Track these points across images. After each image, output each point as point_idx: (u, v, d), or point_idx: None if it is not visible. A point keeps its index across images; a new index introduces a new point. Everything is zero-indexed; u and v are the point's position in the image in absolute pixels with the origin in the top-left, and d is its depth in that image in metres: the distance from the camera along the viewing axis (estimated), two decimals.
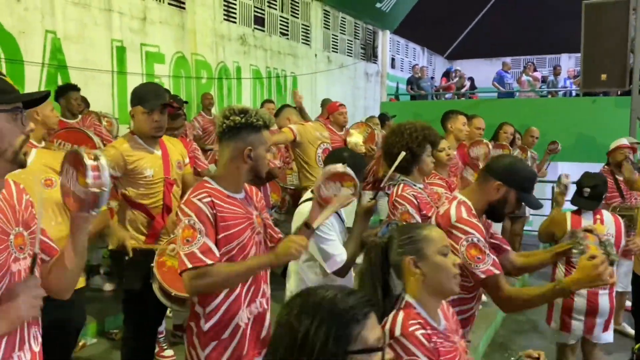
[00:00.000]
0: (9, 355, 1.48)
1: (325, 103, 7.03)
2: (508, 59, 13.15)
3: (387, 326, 1.69)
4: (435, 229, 1.86)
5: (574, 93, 12.47)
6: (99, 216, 2.56)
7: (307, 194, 2.84)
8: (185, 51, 7.35)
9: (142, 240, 3.09)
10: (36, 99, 1.54)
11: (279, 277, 3.13)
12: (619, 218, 3.66)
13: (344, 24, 11.46)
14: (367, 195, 5.97)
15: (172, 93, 6.47)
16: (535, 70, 13.39)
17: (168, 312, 3.92)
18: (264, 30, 8.95)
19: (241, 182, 2.21)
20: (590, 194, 3.54)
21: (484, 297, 3.12)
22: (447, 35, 16.43)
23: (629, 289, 4.26)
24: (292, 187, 5.46)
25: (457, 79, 13.79)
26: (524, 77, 12.39)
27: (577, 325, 3.50)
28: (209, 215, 2.05)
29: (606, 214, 3.64)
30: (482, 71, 15.92)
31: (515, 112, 9.27)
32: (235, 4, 8.28)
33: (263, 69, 8.97)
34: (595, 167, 5.16)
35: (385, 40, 13.11)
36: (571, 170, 10.04)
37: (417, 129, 3.09)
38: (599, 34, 7.49)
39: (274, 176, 4.77)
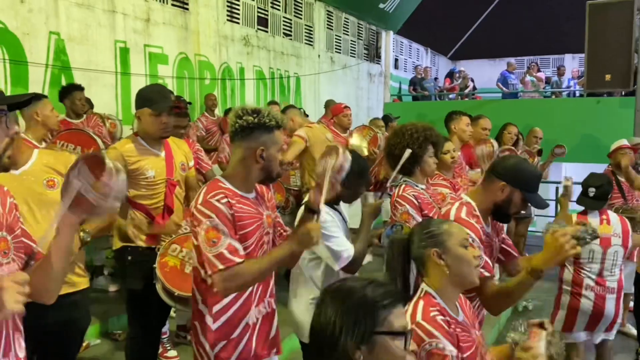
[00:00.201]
0: None
1: (328, 104, 7.03)
2: (512, 60, 13.11)
3: (409, 313, 1.73)
4: (454, 223, 1.93)
5: (577, 94, 12.44)
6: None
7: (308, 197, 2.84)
8: (188, 52, 7.36)
9: (143, 240, 3.10)
10: (21, 102, 1.51)
11: (281, 278, 3.14)
12: (625, 218, 3.65)
13: (347, 25, 11.46)
14: (371, 195, 5.98)
15: (175, 94, 6.50)
16: (538, 70, 13.36)
17: (172, 312, 3.92)
18: (267, 31, 8.96)
19: (253, 182, 2.22)
20: (595, 194, 3.55)
21: None
22: (450, 36, 16.40)
23: (632, 290, 4.25)
24: (295, 188, 5.45)
25: (460, 79, 13.77)
26: (528, 78, 12.36)
27: (581, 327, 3.49)
28: (228, 216, 2.06)
29: (612, 214, 3.63)
30: (485, 72, 15.90)
31: (519, 113, 9.25)
32: (238, 5, 8.29)
33: (266, 69, 8.97)
34: (600, 168, 5.15)
35: (389, 41, 13.11)
36: (575, 171, 10.02)
37: (419, 130, 3.09)
38: (603, 34, 7.47)
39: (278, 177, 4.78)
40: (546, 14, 14.29)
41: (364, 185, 2.80)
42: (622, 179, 4.95)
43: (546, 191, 8.04)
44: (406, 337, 1.32)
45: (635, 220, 4.13)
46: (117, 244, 3.14)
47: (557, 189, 8.46)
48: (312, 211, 2.24)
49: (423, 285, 1.85)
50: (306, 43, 10.01)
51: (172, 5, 7.06)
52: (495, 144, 5.05)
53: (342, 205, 2.87)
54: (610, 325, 3.53)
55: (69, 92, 5.20)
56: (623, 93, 9.80)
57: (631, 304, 4.56)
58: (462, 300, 1.94)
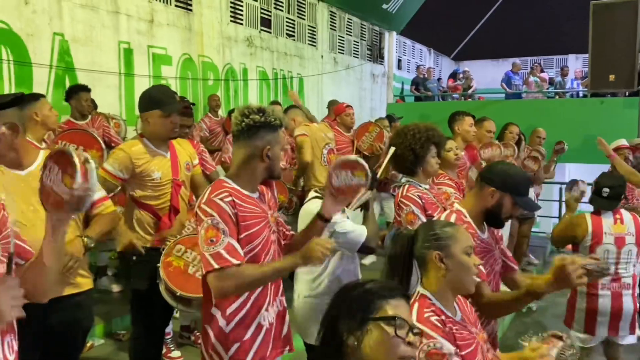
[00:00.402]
0: None
1: (332, 104, 7.03)
2: (516, 60, 13.10)
3: None
4: (461, 229, 1.92)
5: (581, 94, 12.41)
6: (107, 219, 2.59)
7: (312, 193, 2.84)
8: (192, 53, 7.37)
9: (149, 240, 3.11)
10: (6, 102, 1.49)
11: (285, 279, 3.13)
12: (638, 217, 3.64)
13: (350, 25, 11.46)
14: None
15: (179, 95, 6.51)
16: (542, 71, 13.34)
17: (175, 313, 3.93)
18: (270, 32, 8.97)
19: (257, 181, 2.20)
20: (609, 194, 3.54)
21: None
22: (453, 36, 16.39)
23: None
24: (298, 189, 5.45)
25: (464, 80, 13.75)
26: (532, 78, 12.34)
27: (602, 327, 3.49)
28: (231, 215, 2.03)
29: (625, 214, 3.62)
30: (489, 72, 15.88)
31: (522, 113, 9.23)
32: (241, 6, 8.30)
33: (269, 70, 8.98)
34: (603, 169, 5.13)
35: (392, 42, 13.10)
36: (579, 172, 9.99)
37: (420, 130, 3.09)
38: (607, 35, 7.47)
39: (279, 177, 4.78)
40: (550, 15, 14.28)
41: (369, 188, 2.80)
42: None
43: (550, 192, 8.03)
44: (401, 325, 1.33)
45: None
46: (122, 244, 3.14)
47: (560, 189, 8.45)
48: (324, 219, 2.26)
49: (419, 288, 1.85)
50: (309, 44, 10.02)
51: (176, 6, 7.07)
52: (502, 146, 5.04)
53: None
54: (632, 324, 3.51)
55: (76, 93, 5.21)
56: (627, 93, 9.78)
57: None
58: (461, 301, 1.94)
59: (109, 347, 4.27)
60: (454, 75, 14.60)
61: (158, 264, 2.84)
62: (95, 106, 5.54)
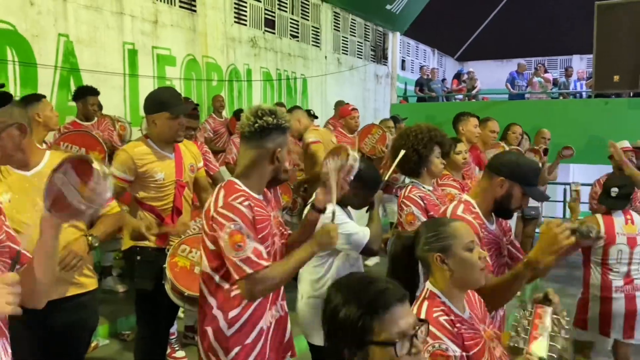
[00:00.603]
0: None
1: (338, 105, 7.04)
2: (521, 61, 13.08)
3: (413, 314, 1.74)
4: (460, 224, 1.88)
5: (585, 95, 12.38)
6: (112, 219, 2.60)
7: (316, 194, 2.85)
8: (196, 54, 7.38)
9: (153, 241, 3.11)
10: None
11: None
12: None
13: (354, 26, 11.46)
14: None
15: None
16: (546, 71, 13.31)
17: (180, 313, 3.94)
18: (274, 33, 8.98)
19: (265, 183, 2.20)
20: (618, 194, 3.54)
21: None
22: (457, 37, 16.37)
23: None
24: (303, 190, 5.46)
25: (468, 80, 13.74)
26: (536, 79, 12.32)
27: (616, 329, 3.48)
28: (250, 219, 2.03)
29: (635, 215, 3.62)
30: (493, 73, 15.85)
31: (526, 114, 9.23)
32: (245, 7, 8.31)
33: (273, 71, 8.99)
34: (608, 169, 5.13)
35: (396, 42, 13.10)
36: (583, 172, 9.97)
37: (423, 131, 3.09)
38: (612, 35, 7.45)
39: (286, 179, 4.79)
40: (554, 15, 14.25)
41: (374, 195, 2.80)
42: None
43: (554, 193, 8.02)
44: (401, 343, 1.29)
45: None
46: (127, 243, 3.15)
47: (564, 190, 8.43)
48: (319, 210, 2.26)
49: (428, 285, 1.84)
50: (313, 44, 10.03)
51: (180, 7, 7.09)
52: (507, 148, 5.05)
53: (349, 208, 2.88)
54: None
55: (83, 96, 5.23)
56: (631, 94, 9.75)
57: None
58: (471, 296, 1.92)
59: (113, 347, 4.29)
60: (458, 76, 14.58)
61: (164, 265, 2.84)
62: (100, 107, 5.57)
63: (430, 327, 1.66)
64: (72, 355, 2.62)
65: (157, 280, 2.91)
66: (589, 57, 13.07)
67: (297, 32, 9.57)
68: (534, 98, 12.18)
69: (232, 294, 2.09)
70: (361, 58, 11.74)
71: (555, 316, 1.85)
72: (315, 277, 2.77)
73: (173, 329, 3.91)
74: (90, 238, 2.45)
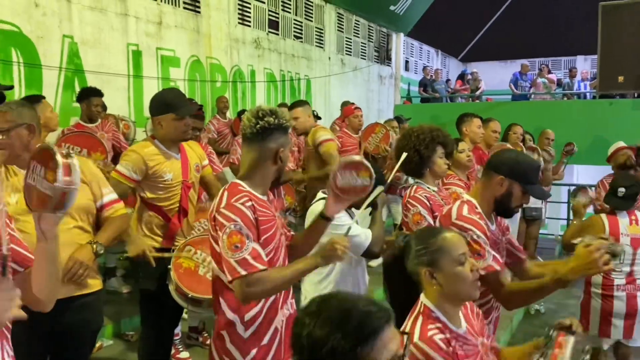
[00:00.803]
0: None
1: (344, 105, 7.03)
2: (524, 61, 13.07)
3: (407, 328, 1.69)
4: (451, 236, 1.82)
5: (589, 96, 12.36)
6: (117, 222, 2.60)
7: (320, 194, 2.85)
8: (200, 55, 7.39)
9: (158, 241, 3.12)
10: None
11: None
12: None
13: (358, 27, 11.46)
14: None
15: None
16: (549, 72, 13.28)
17: (184, 314, 3.94)
18: (278, 34, 8.99)
19: (269, 184, 2.19)
20: (625, 194, 3.52)
21: None
22: (461, 38, 16.35)
23: None
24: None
25: (471, 81, 13.72)
26: (540, 80, 12.30)
27: (617, 329, 3.47)
28: (252, 220, 2.01)
29: None
30: (496, 74, 15.84)
31: (530, 115, 9.22)
32: (249, 8, 8.33)
33: (277, 72, 9.00)
34: (611, 171, 5.12)
35: (399, 43, 13.09)
36: (588, 173, 9.95)
37: (424, 131, 3.08)
38: (616, 36, 7.44)
39: (289, 179, 4.78)
40: (558, 16, 14.22)
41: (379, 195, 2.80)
42: None
43: (559, 193, 7.99)
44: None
45: None
46: (132, 251, 3.15)
47: (569, 191, 8.41)
48: (327, 219, 2.23)
49: (422, 298, 1.78)
50: (317, 45, 10.03)
51: (184, 8, 7.10)
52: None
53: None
54: None
55: (87, 97, 5.24)
56: (636, 94, 9.73)
57: None
58: (468, 308, 1.88)
59: (118, 347, 4.29)
60: (462, 77, 14.57)
61: (169, 266, 2.85)
62: (104, 108, 5.58)
63: (425, 347, 1.64)
64: (77, 356, 2.63)
65: (162, 281, 2.92)
66: (593, 58, 13.03)
67: (301, 33, 9.58)
68: (538, 99, 12.16)
69: (236, 296, 2.07)
70: (365, 59, 11.74)
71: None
72: (318, 279, 2.77)
73: (177, 330, 3.91)
74: (95, 246, 2.47)
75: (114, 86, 6.11)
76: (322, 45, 10.18)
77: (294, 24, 9.39)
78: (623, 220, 3.52)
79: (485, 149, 4.98)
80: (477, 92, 13.21)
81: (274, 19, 8.88)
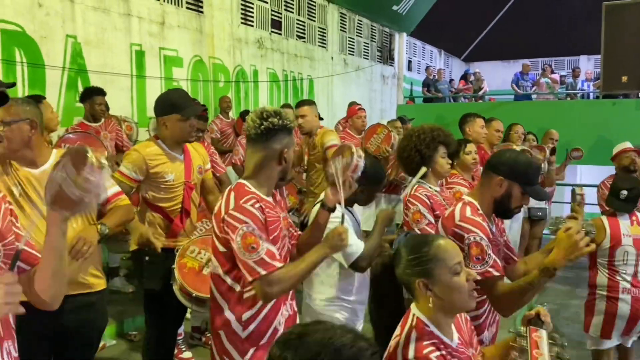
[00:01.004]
0: None
1: (351, 105, 7.02)
2: (527, 61, 13.05)
3: (400, 347, 1.62)
4: (446, 243, 1.73)
5: (592, 96, 12.33)
6: (122, 210, 2.59)
7: (322, 196, 2.85)
8: (203, 55, 7.40)
9: (161, 241, 3.12)
10: None
11: None
12: None
13: (361, 27, 11.46)
14: (383, 197, 5.96)
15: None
16: (552, 72, 13.26)
17: (187, 314, 3.95)
18: (280, 34, 8.99)
19: (273, 185, 2.20)
20: (627, 197, 3.52)
21: None
22: (464, 38, 16.34)
23: None
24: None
25: (475, 81, 13.71)
26: (543, 79, 12.28)
27: (618, 331, 3.48)
28: (262, 221, 2.03)
29: None
30: (499, 73, 15.81)
31: (533, 115, 9.19)
32: (252, 8, 8.33)
33: (280, 72, 9.00)
34: (615, 171, 5.11)
35: (402, 43, 13.08)
36: (591, 173, 9.92)
37: (425, 131, 3.08)
38: (620, 35, 7.42)
39: (291, 179, 4.78)
40: (561, 15, 14.19)
41: (380, 190, 2.80)
42: None
43: (562, 194, 7.97)
44: None
45: None
46: (135, 244, 3.16)
47: (573, 191, 8.39)
48: (329, 209, 2.26)
49: (414, 310, 1.69)
50: (319, 45, 10.03)
51: (187, 8, 7.11)
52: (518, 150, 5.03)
53: (356, 207, 2.88)
54: None
55: (90, 96, 5.26)
56: (639, 95, 9.70)
57: None
58: (458, 318, 1.81)
59: (121, 347, 4.30)
60: (465, 77, 14.56)
61: (173, 266, 2.85)
62: (107, 108, 5.60)
63: None
64: (82, 355, 2.64)
65: (166, 280, 2.92)
66: (596, 58, 13.02)
67: (304, 33, 9.58)
68: (541, 99, 12.14)
69: (245, 295, 2.08)
70: (367, 59, 11.73)
71: (550, 340, 1.73)
72: (321, 279, 2.77)
73: (180, 330, 3.92)
74: (100, 227, 2.45)
75: (117, 86, 6.12)
76: (324, 45, 10.18)
77: (297, 23, 9.39)
78: (624, 221, 3.52)
79: (488, 149, 4.98)
80: (480, 92, 13.19)
81: (276, 19, 8.88)
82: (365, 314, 2.55)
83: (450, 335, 1.69)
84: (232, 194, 2.07)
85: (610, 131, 8.81)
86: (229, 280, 2.10)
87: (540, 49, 15.61)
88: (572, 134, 7.95)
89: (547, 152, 6.10)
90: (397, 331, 1.69)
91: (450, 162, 3.21)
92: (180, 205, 3.15)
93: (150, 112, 6.10)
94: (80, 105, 5.39)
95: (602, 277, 3.54)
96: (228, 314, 2.11)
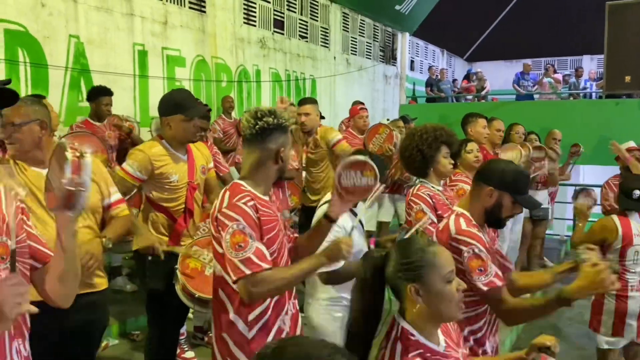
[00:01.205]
0: None
1: (354, 104, 7.01)
2: (529, 61, 13.02)
3: (386, 358, 1.59)
4: (440, 250, 1.68)
5: (595, 95, 12.30)
6: (122, 222, 2.62)
7: (327, 196, 2.84)
8: (205, 55, 7.40)
9: (165, 241, 3.13)
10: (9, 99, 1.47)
11: None
12: None
13: (363, 27, 11.45)
14: (387, 197, 5.95)
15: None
16: (555, 72, 13.23)
17: (189, 313, 3.95)
18: (283, 34, 8.99)
19: (271, 184, 2.19)
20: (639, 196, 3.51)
21: None
22: (466, 37, 16.31)
23: None
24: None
25: (477, 81, 13.69)
26: (546, 79, 12.26)
27: (630, 329, 3.46)
28: (255, 219, 2.01)
29: None
30: (502, 73, 15.78)
31: (536, 115, 9.18)
32: (255, 8, 8.33)
33: (282, 72, 9.00)
34: (618, 171, 5.10)
35: (405, 43, 13.07)
36: (594, 173, 9.90)
37: (428, 131, 3.07)
38: (623, 35, 7.40)
39: (291, 178, 4.77)
40: (564, 15, 14.15)
41: (381, 182, 2.79)
42: None
43: (565, 194, 7.96)
44: None
45: None
46: (140, 243, 3.17)
47: (575, 190, 8.37)
48: (331, 220, 2.22)
49: (399, 320, 1.64)
50: (322, 45, 10.03)
51: (190, 8, 7.11)
52: (522, 150, 5.03)
53: (359, 207, 2.87)
54: None
55: (96, 96, 5.27)
56: None
57: None
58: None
59: (123, 347, 4.30)
60: (468, 76, 14.54)
61: (175, 266, 2.85)
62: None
63: None
64: (84, 355, 2.64)
65: (168, 280, 2.92)
66: (599, 58, 12.98)
67: (306, 33, 9.58)
68: (544, 99, 12.11)
69: (241, 296, 2.06)
70: (370, 58, 11.73)
71: None
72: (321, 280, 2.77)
73: (182, 330, 3.92)
74: (104, 240, 2.51)
75: (120, 86, 6.12)
76: (327, 45, 10.18)
77: (300, 23, 9.39)
78: (635, 221, 3.51)
79: (490, 149, 4.97)
80: (483, 92, 13.17)
81: (279, 18, 8.88)
82: None
83: (436, 341, 1.65)
84: (227, 194, 2.06)
85: (613, 131, 8.77)
86: (231, 281, 2.07)
87: (543, 49, 15.58)
88: (574, 133, 7.92)
89: (547, 150, 6.09)
90: (382, 342, 1.65)
91: (452, 162, 3.21)
92: (184, 206, 3.16)
93: (153, 111, 6.12)
94: (83, 105, 5.40)
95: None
96: (233, 316, 2.09)
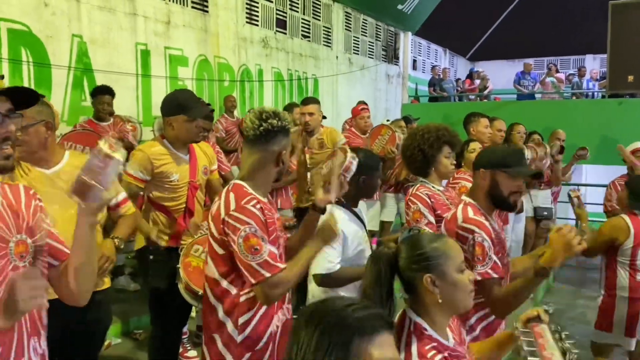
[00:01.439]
0: None
1: (358, 104, 7.01)
2: (531, 60, 12.99)
3: (400, 353, 1.58)
4: (452, 241, 1.73)
5: (597, 95, 12.27)
6: (130, 220, 2.64)
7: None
8: (208, 54, 7.41)
9: (165, 240, 3.13)
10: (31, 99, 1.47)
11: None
12: None
13: (366, 26, 11.45)
14: (391, 197, 5.95)
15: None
16: (557, 71, 13.21)
17: (192, 312, 3.96)
18: (285, 33, 8.99)
19: (270, 186, 2.20)
20: None
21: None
22: (469, 37, 16.30)
23: None
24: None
25: (479, 80, 13.67)
26: (548, 79, 12.23)
27: None
28: (263, 222, 2.01)
29: None
30: (504, 73, 15.75)
31: (539, 114, 9.17)
32: (257, 7, 8.33)
33: (285, 71, 9.00)
34: (621, 170, 5.09)
35: (407, 42, 13.07)
36: (596, 173, 9.88)
37: (430, 130, 3.07)
38: (626, 35, 7.39)
39: (293, 180, 4.77)
40: (566, 15, 14.13)
41: (379, 178, 2.81)
42: None
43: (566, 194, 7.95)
44: None
45: None
46: (140, 243, 3.18)
47: (568, 194, 8.37)
48: (319, 210, 2.27)
49: (411, 315, 1.65)
50: (324, 44, 10.03)
51: (192, 7, 7.12)
52: (528, 150, 5.02)
53: (361, 206, 2.87)
54: None
55: (95, 95, 5.29)
56: None
57: None
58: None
59: (126, 346, 4.31)
60: (471, 76, 14.52)
61: (178, 265, 2.86)
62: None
63: None
64: (87, 354, 2.65)
65: (170, 279, 2.93)
66: (602, 57, 12.94)
67: (309, 32, 9.58)
68: (547, 98, 12.09)
69: (241, 299, 2.07)
70: (372, 58, 11.72)
71: (554, 334, 1.77)
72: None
73: (185, 329, 3.93)
74: (117, 241, 2.54)
75: (123, 85, 6.13)
76: (329, 45, 10.18)
77: (302, 23, 9.39)
78: None
79: None
80: (486, 92, 13.15)
81: (281, 18, 8.88)
82: None
83: (445, 337, 1.67)
84: (232, 195, 2.04)
85: (616, 131, 8.77)
86: (224, 283, 2.08)
87: (546, 48, 15.56)
88: (577, 133, 7.92)
89: (549, 149, 6.07)
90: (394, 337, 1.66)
91: (454, 162, 3.20)
92: (184, 205, 3.16)
93: (155, 111, 6.12)
94: (86, 104, 5.42)
95: (622, 278, 3.47)
96: (222, 317, 2.09)
